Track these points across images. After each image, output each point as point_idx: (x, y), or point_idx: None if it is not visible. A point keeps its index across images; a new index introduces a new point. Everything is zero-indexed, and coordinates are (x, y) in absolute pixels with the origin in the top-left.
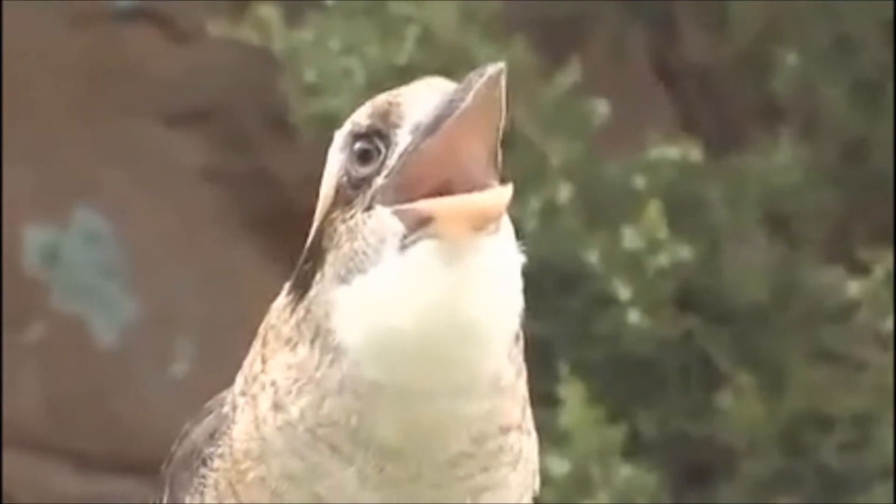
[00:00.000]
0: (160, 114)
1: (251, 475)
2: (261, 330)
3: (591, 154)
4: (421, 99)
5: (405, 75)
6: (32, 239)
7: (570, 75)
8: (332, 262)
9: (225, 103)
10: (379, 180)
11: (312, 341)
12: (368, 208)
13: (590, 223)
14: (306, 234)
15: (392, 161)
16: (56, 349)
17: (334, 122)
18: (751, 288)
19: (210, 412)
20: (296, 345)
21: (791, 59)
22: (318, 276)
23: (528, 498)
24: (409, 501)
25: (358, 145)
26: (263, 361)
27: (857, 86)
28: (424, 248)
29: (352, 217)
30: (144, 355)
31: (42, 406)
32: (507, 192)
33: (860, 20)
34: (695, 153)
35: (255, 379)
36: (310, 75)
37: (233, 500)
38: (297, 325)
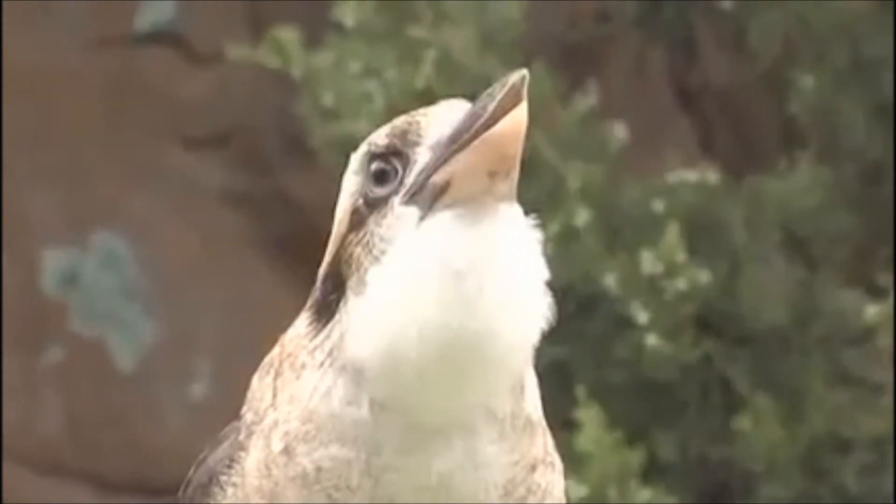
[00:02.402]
0: (179, 137)
1: None
2: (271, 360)
3: (609, 178)
4: (441, 117)
5: (424, 99)
6: (52, 262)
7: (588, 99)
8: (353, 285)
9: (244, 126)
10: (396, 200)
11: (320, 366)
12: (381, 218)
13: (608, 247)
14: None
15: (410, 179)
16: (75, 372)
17: (353, 145)
18: (770, 311)
19: (226, 438)
20: (300, 374)
21: (809, 81)
22: (340, 304)
23: None
24: None
25: (375, 165)
26: (274, 395)
27: (876, 108)
28: (440, 218)
29: (365, 235)
30: (163, 378)
31: (62, 429)
32: (522, 111)
33: (879, 42)
34: (713, 176)
35: (265, 413)
36: (328, 99)
37: None
38: (311, 352)
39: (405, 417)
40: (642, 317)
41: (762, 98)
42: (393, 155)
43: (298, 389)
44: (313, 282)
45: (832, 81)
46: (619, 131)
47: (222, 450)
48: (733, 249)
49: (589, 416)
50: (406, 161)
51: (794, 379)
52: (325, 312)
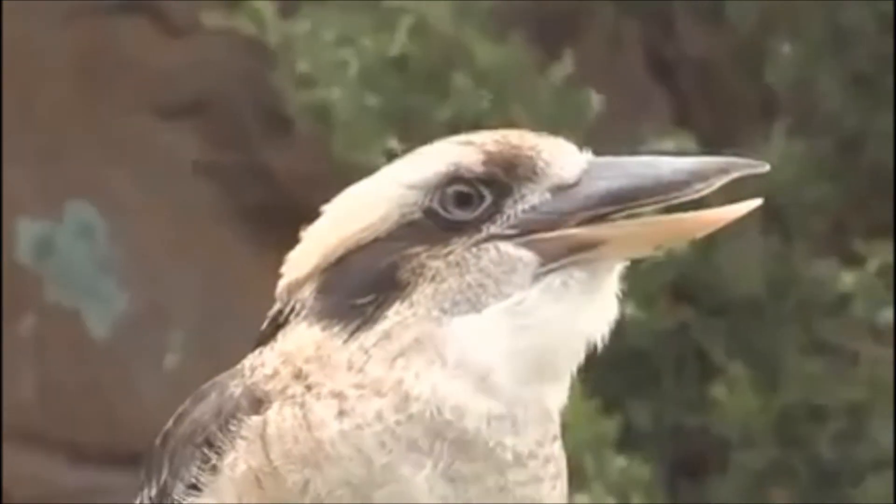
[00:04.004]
0: (154, 107)
1: (292, 479)
2: (277, 366)
3: (586, 147)
4: (561, 159)
5: (399, 67)
6: (27, 232)
7: (564, 68)
8: (430, 295)
9: (219, 97)
10: (493, 228)
11: (393, 360)
12: (472, 246)
13: None
14: (301, 226)
15: (514, 213)
16: (50, 342)
17: (327, 112)
18: (746, 280)
19: (206, 395)
20: (363, 367)
21: (787, 51)
22: (395, 308)
23: None
24: None
25: (456, 188)
26: (308, 388)
27: (853, 78)
28: (575, 278)
29: (450, 254)
30: (138, 348)
31: (36, 398)
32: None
33: (857, 12)
34: (690, 146)
35: (287, 394)
36: (304, 66)
37: (256, 496)
38: (364, 349)
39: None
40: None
41: (738, 68)
42: (485, 182)
43: (348, 379)
44: (289, 251)
45: (809, 52)
46: (595, 99)
47: (210, 402)
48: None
49: None
50: (506, 192)
51: (770, 348)
52: (355, 315)
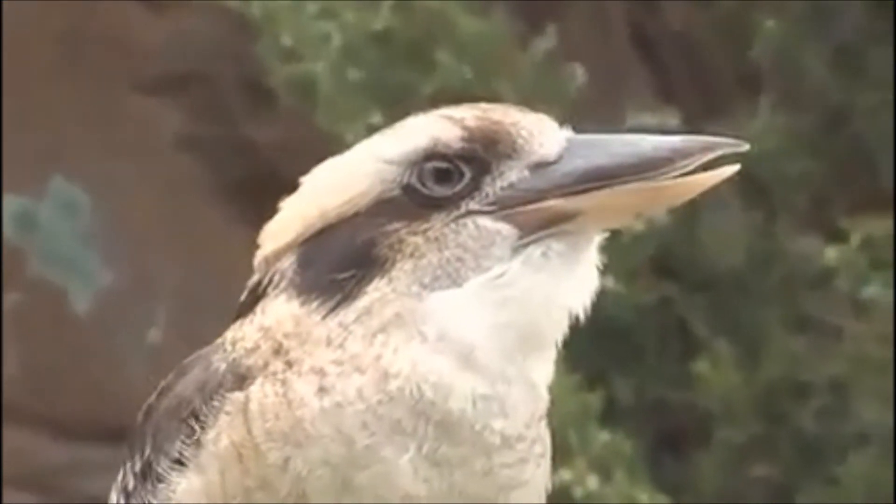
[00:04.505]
0: (137, 82)
1: (273, 456)
2: (256, 339)
3: (568, 122)
4: (542, 136)
5: (382, 41)
6: (10, 207)
7: (547, 43)
8: (410, 271)
9: (202, 70)
10: (472, 205)
11: (373, 336)
12: (450, 222)
13: None
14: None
15: (493, 190)
16: (33, 316)
17: (311, 86)
18: (728, 255)
19: (189, 369)
20: (342, 343)
21: (770, 26)
22: (375, 285)
23: (543, 498)
24: (448, 495)
25: (434, 164)
26: (289, 364)
27: (837, 53)
28: (553, 248)
29: (428, 230)
30: (121, 322)
31: (19, 374)
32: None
33: None
34: (673, 122)
35: (269, 370)
36: (287, 40)
37: (237, 471)
38: (344, 326)
39: (485, 381)
40: (600, 259)
41: (722, 43)
42: (465, 159)
43: (327, 355)
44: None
45: (793, 27)
46: (579, 73)
47: (193, 376)
48: None
49: None
50: (485, 169)
51: (753, 323)
52: (334, 291)
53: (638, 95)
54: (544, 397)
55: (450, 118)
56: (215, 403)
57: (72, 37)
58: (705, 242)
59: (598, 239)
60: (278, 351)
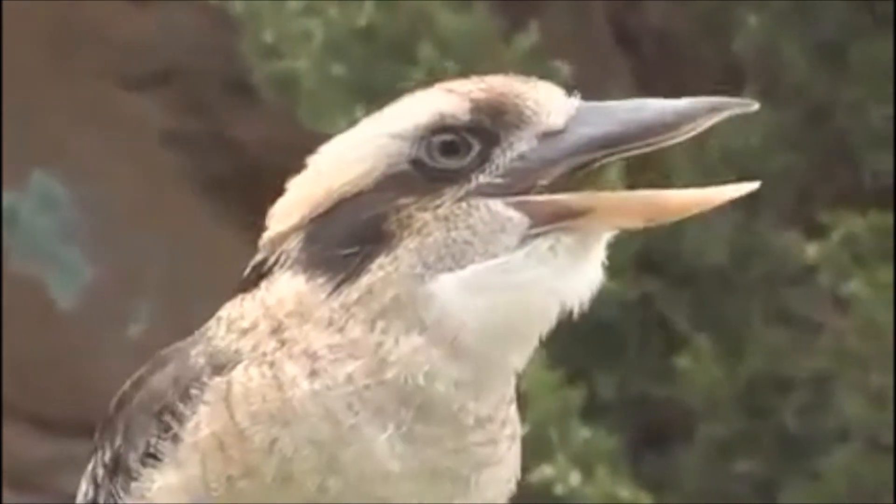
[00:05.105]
0: (120, 77)
1: (259, 438)
2: (255, 319)
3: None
4: (549, 105)
5: (365, 37)
6: None
7: (529, 38)
8: (415, 249)
9: (185, 67)
10: (482, 177)
11: (373, 321)
12: (462, 199)
13: None
14: (267, 196)
15: (502, 161)
16: (15, 311)
17: (293, 83)
18: (710, 251)
19: (165, 362)
20: (343, 326)
21: (752, 20)
22: (379, 262)
23: (513, 484)
24: (422, 472)
25: (442, 137)
26: (282, 343)
27: (819, 48)
28: (561, 244)
29: (439, 206)
30: (103, 317)
31: (2, 369)
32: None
33: None
34: None
35: (259, 351)
36: (269, 36)
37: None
38: (346, 307)
39: (475, 369)
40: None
41: (703, 37)
42: (472, 131)
43: (326, 339)
44: (255, 220)
45: (775, 20)
46: (562, 69)
47: (168, 371)
48: (675, 188)
49: None
50: (493, 140)
51: (734, 318)
52: (339, 267)
53: (620, 91)
54: (512, 382)
55: (455, 91)
56: (192, 396)
57: (54, 32)
58: (687, 238)
59: (606, 237)
60: (276, 329)
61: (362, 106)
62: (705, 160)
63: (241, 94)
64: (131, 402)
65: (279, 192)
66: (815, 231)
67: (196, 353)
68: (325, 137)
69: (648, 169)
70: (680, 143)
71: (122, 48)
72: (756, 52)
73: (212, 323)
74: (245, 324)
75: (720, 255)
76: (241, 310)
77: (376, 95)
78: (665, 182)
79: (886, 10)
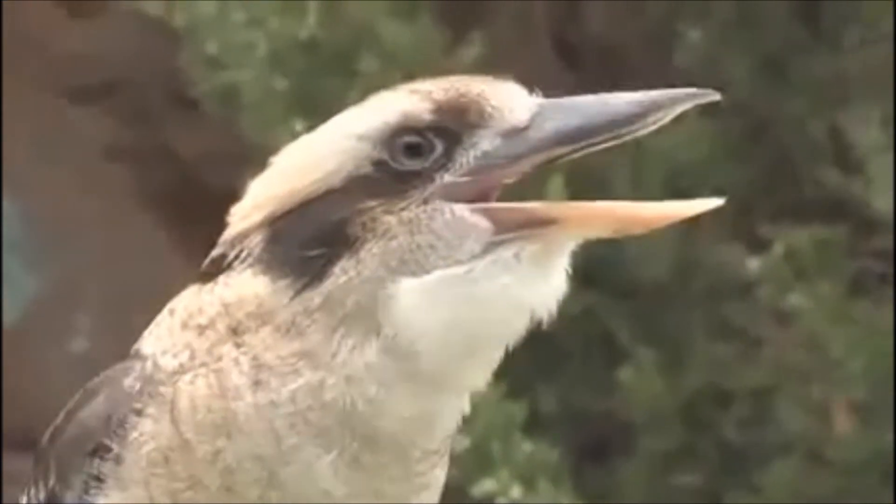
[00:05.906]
0: (63, 89)
1: (203, 449)
2: (210, 320)
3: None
4: (510, 102)
5: (308, 49)
6: None
7: (473, 49)
8: (378, 253)
9: (127, 79)
10: (447, 177)
11: (334, 329)
12: (425, 202)
13: None
14: (211, 208)
15: (466, 160)
16: None
17: (236, 95)
18: (652, 264)
19: (96, 393)
20: (303, 332)
21: (694, 34)
22: (342, 265)
23: (439, 494)
24: (365, 494)
25: (407, 138)
26: (238, 346)
27: (763, 62)
28: (522, 249)
29: (404, 209)
30: (45, 331)
31: None
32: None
33: None
34: None
35: (213, 355)
36: (212, 48)
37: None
38: (309, 312)
39: (428, 383)
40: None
41: (646, 51)
42: (435, 131)
43: (284, 345)
44: (199, 235)
45: (717, 34)
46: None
47: (97, 405)
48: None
49: None
50: (456, 140)
51: (676, 331)
52: (303, 270)
53: None
54: (466, 409)
55: (417, 92)
56: (127, 429)
57: None
58: (629, 251)
59: (571, 247)
60: (235, 330)
61: (304, 118)
62: (646, 173)
63: (185, 106)
64: (62, 436)
65: (222, 203)
66: (757, 245)
67: (131, 381)
68: (268, 150)
69: (588, 182)
70: (620, 157)
71: (64, 60)
72: (698, 66)
73: (163, 316)
74: (203, 320)
75: (662, 268)
76: (198, 303)
77: (319, 107)
78: (606, 196)
79: (827, 24)
